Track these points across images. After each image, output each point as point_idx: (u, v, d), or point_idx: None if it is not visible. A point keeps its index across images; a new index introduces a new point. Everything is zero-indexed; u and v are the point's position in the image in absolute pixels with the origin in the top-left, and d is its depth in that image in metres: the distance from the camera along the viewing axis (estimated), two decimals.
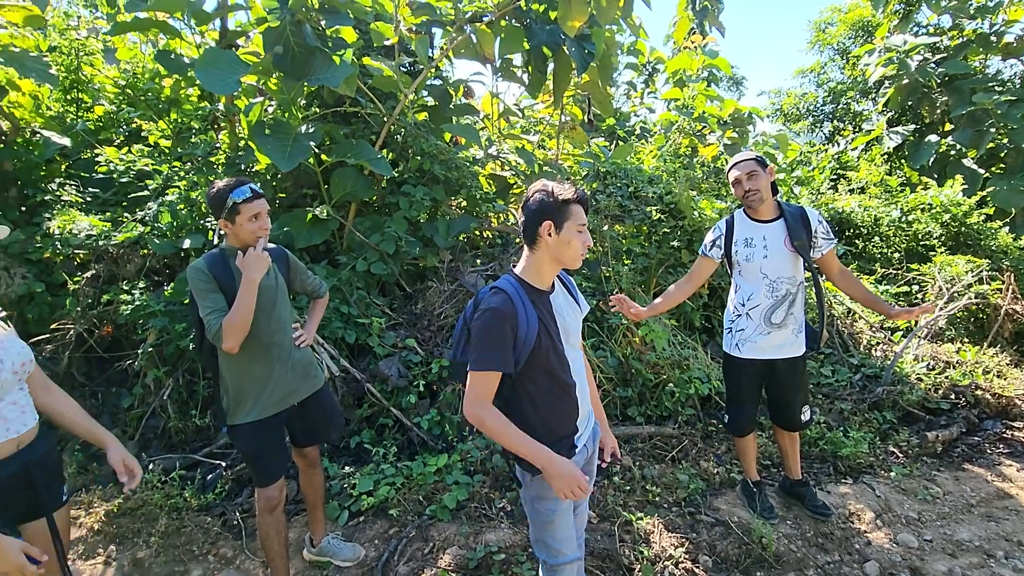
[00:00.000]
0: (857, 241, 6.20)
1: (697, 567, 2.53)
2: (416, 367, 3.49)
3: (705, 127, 6.53)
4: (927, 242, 5.88)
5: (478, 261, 4.17)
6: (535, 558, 2.55)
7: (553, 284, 1.73)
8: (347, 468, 3.08)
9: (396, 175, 3.88)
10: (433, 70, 4.08)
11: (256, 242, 1.99)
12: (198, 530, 2.69)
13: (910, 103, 8.00)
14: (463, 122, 4.43)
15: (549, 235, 1.59)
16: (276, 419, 2.14)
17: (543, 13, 4.15)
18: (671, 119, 6.68)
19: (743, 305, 2.66)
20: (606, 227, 4.32)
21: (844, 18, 9.78)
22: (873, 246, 6.10)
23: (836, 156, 8.22)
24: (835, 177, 8.01)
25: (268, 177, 3.69)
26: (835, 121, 9.81)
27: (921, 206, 6.13)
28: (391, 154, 4.06)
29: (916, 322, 4.80)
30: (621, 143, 7.39)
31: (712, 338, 4.54)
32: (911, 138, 7.89)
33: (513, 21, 4.15)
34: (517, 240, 4.40)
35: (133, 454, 3.10)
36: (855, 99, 9.43)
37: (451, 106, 4.39)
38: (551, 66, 4.47)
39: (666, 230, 4.33)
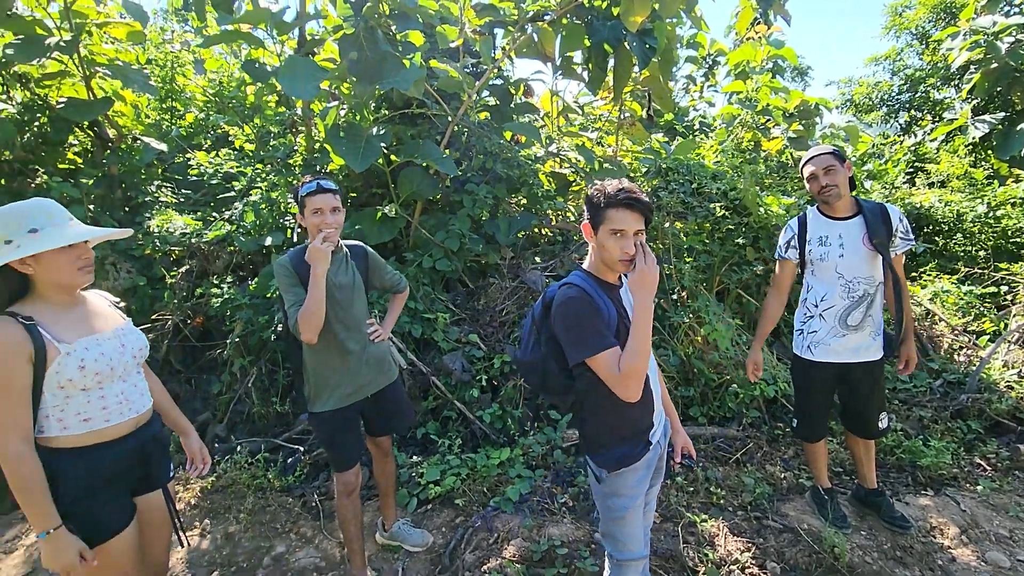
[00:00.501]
0: (937, 238, 5.81)
1: (764, 573, 2.48)
2: (479, 362, 3.57)
3: (769, 120, 6.29)
4: (1018, 239, 5.44)
5: (537, 259, 4.21)
6: (597, 553, 2.60)
7: (621, 279, 1.73)
8: (415, 457, 3.21)
9: (460, 174, 3.97)
10: (495, 70, 4.14)
11: (318, 235, 2.02)
12: (281, 509, 2.88)
13: (999, 89, 7.38)
14: (523, 120, 4.48)
15: (589, 235, 1.62)
16: (352, 409, 2.24)
17: (605, 9, 4.13)
18: (733, 113, 6.48)
19: (816, 306, 2.57)
20: (667, 224, 4.26)
21: (924, 0, 9.12)
22: (955, 244, 5.71)
23: (913, 148, 7.70)
24: (911, 170, 7.52)
25: (340, 177, 3.87)
26: (912, 111, 9.18)
27: (1011, 200, 5.67)
28: (455, 153, 4.16)
29: (1006, 325, 4.47)
30: (680, 138, 7.23)
31: (777, 338, 4.40)
32: (999, 127, 7.28)
33: (574, 18, 4.16)
34: (576, 237, 4.41)
35: (222, 436, 3.36)
36: (935, 87, 8.79)
37: (512, 105, 4.45)
38: (611, 62, 4.45)
39: (730, 227, 4.23)
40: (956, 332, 4.57)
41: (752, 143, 6.31)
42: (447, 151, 3.96)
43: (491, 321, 3.80)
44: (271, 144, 4.02)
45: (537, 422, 3.51)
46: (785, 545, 2.65)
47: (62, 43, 3.15)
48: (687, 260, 4.23)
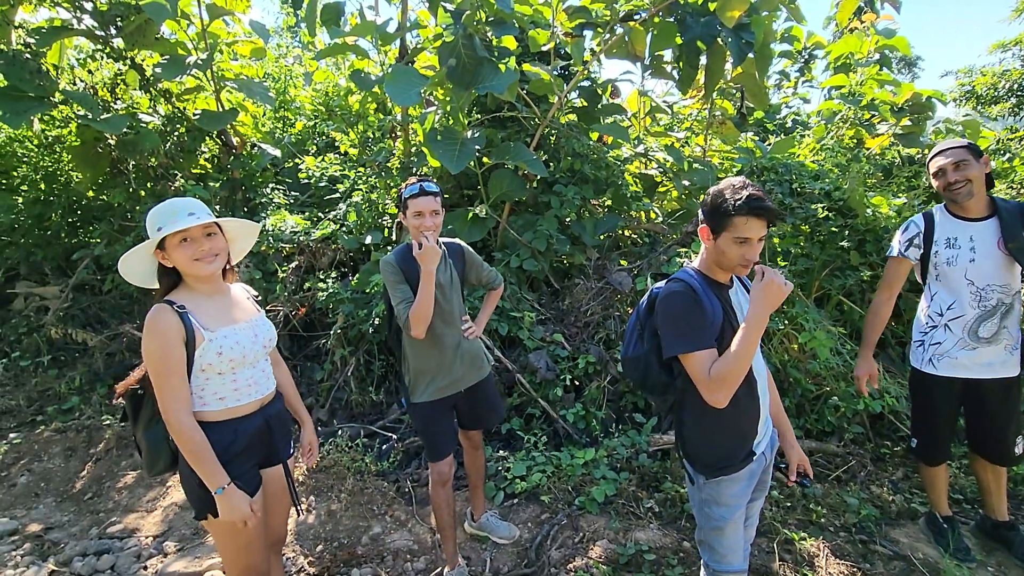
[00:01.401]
0: None
1: None
2: (563, 361, 3.60)
3: (874, 116, 5.83)
4: None
5: (623, 261, 4.17)
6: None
7: (732, 279, 1.69)
8: (500, 452, 3.29)
9: (548, 175, 4.02)
10: (585, 72, 4.16)
11: (419, 236, 2.08)
12: (377, 492, 3.05)
13: None
14: (610, 121, 4.46)
15: (708, 239, 1.59)
16: (446, 402, 2.32)
17: (701, 5, 4.02)
18: (834, 108, 6.06)
19: (940, 315, 2.36)
20: None
21: None
22: None
23: None
24: None
25: (434, 180, 4.05)
26: None
27: None
28: (543, 155, 4.22)
29: None
30: (771, 137, 6.88)
31: (883, 349, 4.08)
32: None
33: (667, 16, 4.08)
34: (667, 239, 4.32)
35: (323, 420, 3.61)
36: None
37: (599, 106, 4.44)
38: (703, 59, 4.32)
39: (833, 229, 3.97)
40: None
41: (854, 140, 5.88)
42: (536, 153, 4.02)
43: (576, 321, 3.82)
44: (371, 149, 4.28)
45: (620, 424, 3.48)
46: (896, 574, 2.46)
47: (199, 61, 3.55)
48: (782, 264, 4.02)
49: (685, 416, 1.70)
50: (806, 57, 8.40)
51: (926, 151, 6.10)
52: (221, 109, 3.97)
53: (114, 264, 4.05)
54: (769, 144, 5.20)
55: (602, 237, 4.31)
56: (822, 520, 2.78)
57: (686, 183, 4.56)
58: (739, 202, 1.49)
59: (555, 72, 4.01)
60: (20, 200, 4.44)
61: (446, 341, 2.28)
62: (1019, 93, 8.36)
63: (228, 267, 1.84)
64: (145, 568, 2.73)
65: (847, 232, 4.01)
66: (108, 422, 3.72)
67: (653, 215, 4.75)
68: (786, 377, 3.53)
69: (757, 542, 2.65)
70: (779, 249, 4.18)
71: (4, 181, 4.41)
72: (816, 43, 7.77)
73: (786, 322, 3.66)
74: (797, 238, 4.17)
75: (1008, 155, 6.99)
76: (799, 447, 1.84)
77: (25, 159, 4.49)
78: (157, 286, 1.73)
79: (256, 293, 1.99)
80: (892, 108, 5.69)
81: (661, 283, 1.69)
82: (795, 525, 2.75)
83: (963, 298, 2.29)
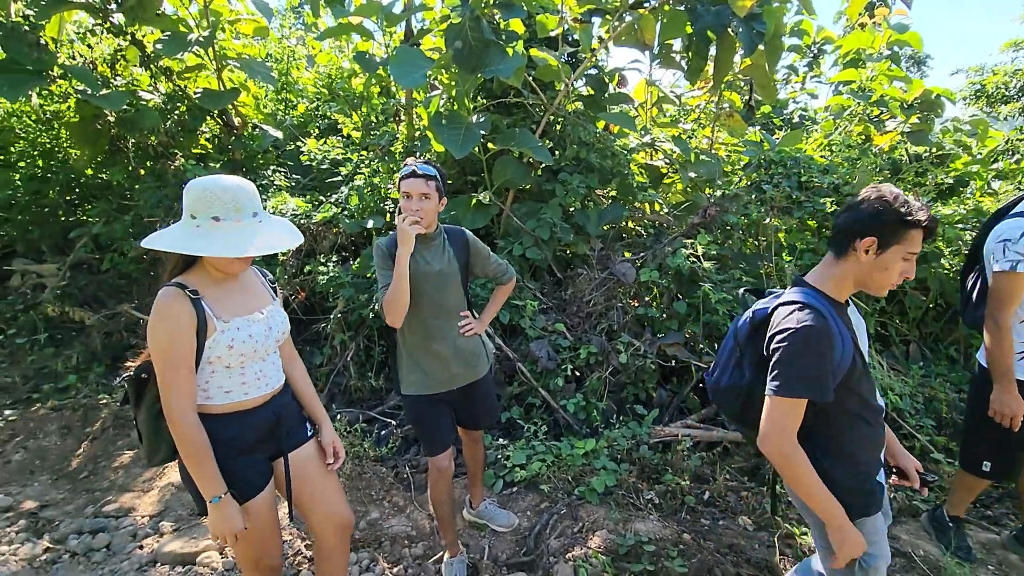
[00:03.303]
0: None
1: None
2: (564, 351, 3.56)
3: (884, 112, 5.77)
4: None
5: (627, 252, 4.13)
6: (685, 554, 2.51)
7: (848, 299, 1.52)
8: (500, 440, 3.26)
9: (554, 163, 3.96)
10: (593, 59, 4.10)
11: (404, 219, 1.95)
12: (375, 478, 3.03)
13: None
14: (617, 110, 4.41)
15: (866, 252, 1.39)
16: (439, 397, 2.19)
17: None
18: (843, 104, 5.99)
19: None
20: (767, 220, 4.04)
21: None
22: None
23: None
24: None
25: (435, 164, 3.99)
26: None
27: None
28: (548, 142, 4.17)
29: None
30: (778, 132, 6.82)
31: (886, 347, 4.06)
32: None
33: (677, 5, 4.01)
34: (671, 231, 4.28)
35: (323, 404, 3.57)
36: None
37: (606, 95, 4.38)
38: (713, 50, 4.25)
39: None
40: None
41: (862, 137, 5.82)
42: (542, 140, 3.96)
43: (578, 311, 3.78)
44: (374, 132, 4.22)
45: (621, 415, 3.45)
46: (896, 570, 2.45)
47: (201, 39, 3.48)
48: (787, 259, 3.97)
49: (817, 450, 1.44)
50: (815, 52, 8.33)
51: (934, 149, 6.07)
52: (222, 88, 3.91)
53: (112, 243, 4.00)
54: (776, 139, 5.15)
55: (606, 227, 4.26)
56: None
57: (692, 175, 4.51)
58: (922, 212, 1.33)
59: (563, 59, 3.94)
60: (17, 176, 4.39)
61: (437, 335, 2.14)
62: None
63: None
64: (141, 547, 2.70)
65: None
66: (104, 401, 3.68)
67: (658, 206, 4.70)
68: None
69: (757, 536, 2.65)
70: (785, 244, 4.13)
71: (1, 156, 4.35)
72: (826, 38, 7.69)
73: None
74: (804, 233, 4.13)
75: (1017, 156, 6.93)
76: (906, 452, 1.70)
77: (23, 134, 4.42)
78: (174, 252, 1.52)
79: (272, 277, 1.85)
80: (902, 105, 5.63)
81: (764, 302, 1.52)
82: (795, 519, 2.73)
83: None
